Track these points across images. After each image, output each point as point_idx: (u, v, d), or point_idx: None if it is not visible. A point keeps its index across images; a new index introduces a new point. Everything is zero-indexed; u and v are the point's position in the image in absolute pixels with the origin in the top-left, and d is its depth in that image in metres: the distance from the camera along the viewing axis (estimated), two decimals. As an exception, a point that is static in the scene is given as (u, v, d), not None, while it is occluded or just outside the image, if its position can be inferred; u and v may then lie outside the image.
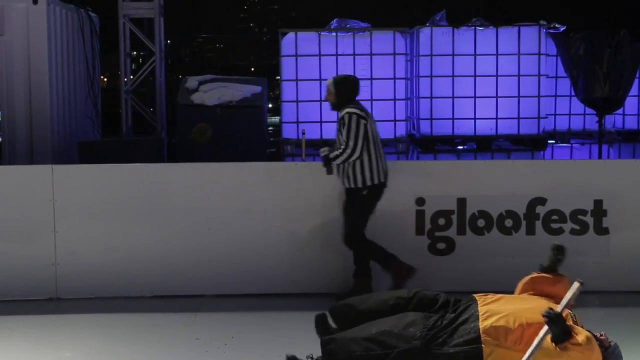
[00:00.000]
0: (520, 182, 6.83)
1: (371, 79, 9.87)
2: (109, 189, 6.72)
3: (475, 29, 9.95)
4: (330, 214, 6.74)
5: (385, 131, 9.95)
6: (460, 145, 10.28)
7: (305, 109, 9.86)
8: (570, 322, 4.37)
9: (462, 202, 6.78)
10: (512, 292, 4.88)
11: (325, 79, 9.72)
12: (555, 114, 10.94)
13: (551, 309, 4.31)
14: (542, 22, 10.17)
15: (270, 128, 12.39)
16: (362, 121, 6.37)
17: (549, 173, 6.92)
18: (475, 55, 9.92)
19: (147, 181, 6.77)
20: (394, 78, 9.89)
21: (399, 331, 4.66)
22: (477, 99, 9.99)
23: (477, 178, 6.85)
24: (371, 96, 9.88)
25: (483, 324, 4.49)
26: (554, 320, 4.24)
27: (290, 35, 9.94)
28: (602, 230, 6.81)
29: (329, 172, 6.48)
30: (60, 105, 9.43)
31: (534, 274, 4.84)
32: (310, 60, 9.84)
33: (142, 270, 6.73)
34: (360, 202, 6.48)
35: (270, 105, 13.10)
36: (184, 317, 6.27)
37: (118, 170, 6.78)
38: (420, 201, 6.79)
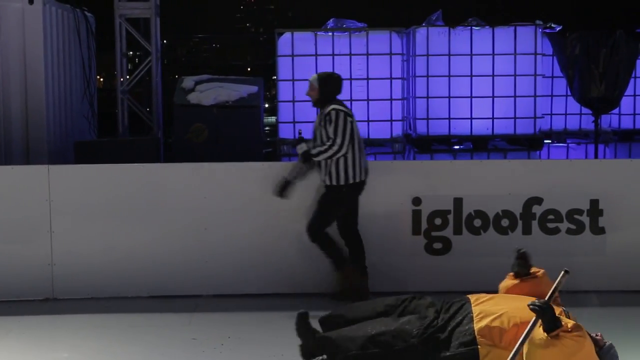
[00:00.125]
0: (517, 181, 6.84)
1: (367, 78, 9.88)
2: (106, 189, 6.72)
3: (471, 29, 9.96)
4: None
5: (381, 131, 9.99)
6: (457, 145, 10.29)
7: (302, 109, 9.85)
8: (563, 317, 4.39)
9: (458, 201, 6.78)
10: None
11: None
12: (551, 114, 10.97)
13: (538, 299, 4.34)
14: (538, 22, 10.18)
15: (267, 128, 12.39)
16: (349, 118, 6.38)
17: (545, 173, 6.93)
18: (471, 55, 9.94)
19: (143, 181, 6.77)
20: (391, 78, 9.90)
21: (395, 330, 4.67)
22: (473, 98, 10.01)
23: (473, 178, 6.86)
24: (367, 96, 9.89)
25: (478, 325, 4.50)
26: (542, 309, 4.26)
27: (287, 35, 9.94)
28: (598, 230, 6.82)
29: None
30: (57, 106, 9.41)
31: (511, 280, 4.88)
32: (306, 60, 9.84)
33: (139, 270, 6.72)
34: (339, 199, 6.47)
35: (266, 105, 13.10)
36: (181, 317, 6.27)
37: (114, 171, 6.78)
38: (416, 201, 6.79)
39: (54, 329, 6.04)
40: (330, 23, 10.20)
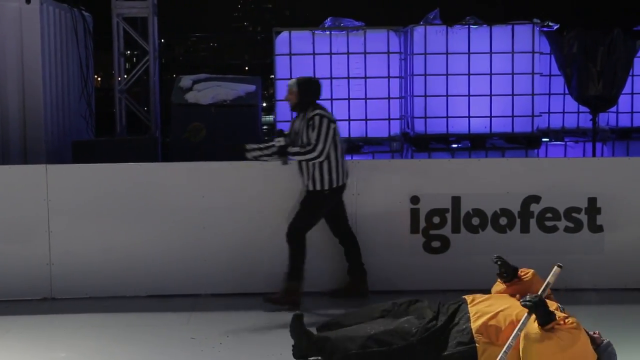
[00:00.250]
0: (515, 180, 6.85)
1: (365, 77, 9.89)
2: (103, 188, 6.71)
3: (469, 28, 9.96)
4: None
5: (379, 130, 9.99)
6: (455, 144, 10.29)
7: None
8: (558, 312, 4.42)
9: (456, 200, 6.79)
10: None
11: (320, 78, 9.81)
12: (549, 112, 10.96)
13: (529, 295, 4.36)
14: (535, 20, 10.18)
15: (265, 127, 12.38)
16: (332, 125, 6.35)
17: (543, 171, 6.94)
18: (469, 53, 9.94)
19: (141, 181, 6.77)
20: (388, 77, 9.90)
21: (395, 328, 4.69)
22: (471, 97, 10.01)
23: (471, 176, 6.86)
24: (365, 95, 9.89)
25: (475, 324, 4.53)
26: (535, 304, 4.28)
27: (284, 34, 9.94)
28: (596, 228, 6.83)
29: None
30: (54, 105, 9.40)
31: (500, 285, 4.90)
32: (304, 59, 9.84)
33: (137, 269, 6.72)
34: (321, 203, 6.45)
35: (264, 104, 13.09)
36: (179, 317, 6.26)
37: (112, 170, 6.77)
38: (414, 199, 6.79)
39: (52, 329, 6.04)
40: (328, 22, 10.20)
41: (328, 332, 4.90)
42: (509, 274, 4.85)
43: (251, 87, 9.61)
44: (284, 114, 9.89)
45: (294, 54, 9.84)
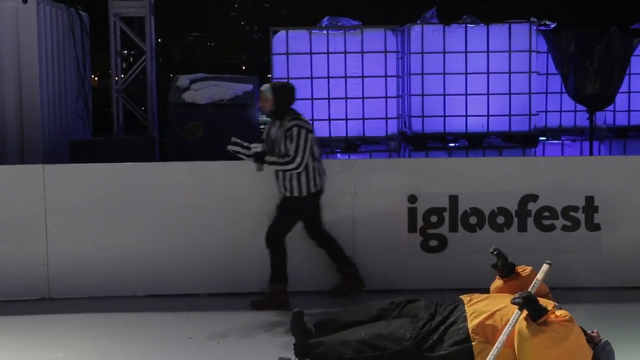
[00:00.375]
0: (512, 179, 6.85)
1: (362, 76, 9.88)
2: (101, 188, 6.71)
3: (466, 27, 9.96)
4: (324, 211, 6.73)
5: (376, 129, 9.98)
6: (452, 143, 10.28)
7: (297, 108, 9.83)
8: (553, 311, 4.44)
9: (454, 199, 6.79)
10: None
11: (317, 77, 9.83)
12: (546, 111, 10.96)
13: (519, 293, 4.38)
14: (532, 19, 10.19)
15: (262, 126, 12.36)
16: (310, 135, 6.31)
17: (540, 170, 6.94)
18: (466, 52, 9.93)
19: (138, 180, 6.76)
20: (385, 76, 9.89)
21: (389, 333, 4.69)
22: (468, 96, 10.00)
23: (468, 175, 6.87)
24: (363, 94, 9.88)
25: (471, 324, 4.54)
26: (525, 300, 4.30)
27: (282, 33, 9.93)
28: (593, 227, 6.84)
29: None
30: (51, 105, 9.39)
31: (498, 281, 4.91)
32: (301, 58, 9.83)
33: (134, 269, 6.72)
34: (298, 208, 6.43)
35: (261, 104, 13.04)
36: (177, 317, 6.26)
37: (109, 170, 6.77)
38: (412, 199, 6.79)
39: (50, 329, 6.03)
40: (325, 21, 10.19)
41: (323, 337, 4.89)
42: (505, 267, 4.85)
43: (248, 87, 9.60)
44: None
45: (291, 54, 9.83)
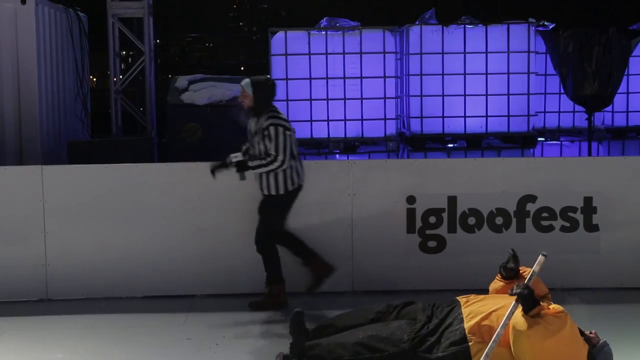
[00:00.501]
0: (511, 179, 6.85)
1: (361, 77, 9.88)
2: (99, 189, 6.70)
3: (464, 27, 9.96)
4: (322, 212, 6.74)
5: (375, 130, 9.99)
6: (451, 143, 10.29)
7: (296, 108, 9.85)
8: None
9: (452, 200, 6.79)
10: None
11: (316, 78, 9.83)
12: (544, 112, 10.97)
13: (517, 285, 4.39)
14: (531, 19, 10.19)
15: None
16: (287, 132, 6.23)
17: (539, 170, 6.94)
18: (464, 53, 9.94)
19: (137, 181, 6.76)
20: (384, 77, 9.90)
21: (387, 335, 4.69)
22: (467, 97, 10.00)
23: (467, 176, 6.87)
24: (361, 95, 9.89)
25: (467, 325, 4.55)
26: (523, 291, 4.31)
27: (280, 34, 9.93)
28: (592, 227, 6.84)
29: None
30: (50, 106, 9.39)
31: (499, 282, 4.90)
32: (300, 59, 9.83)
33: (133, 270, 6.71)
34: (278, 205, 6.39)
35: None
36: (176, 318, 6.26)
37: (108, 171, 6.77)
38: (411, 199, 6.79)
39: (48, 330, 6.03)
40: (324, 22, 10.19)
41: (320, 339, 4.89)
42: (514, 270, 4.85)
43: (247, 88, 9.58)
44: (279, 114, 9.88)
45: (290, 54, 9.83)
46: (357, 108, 9.91)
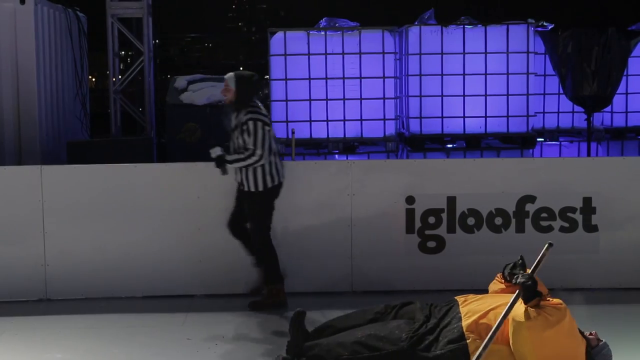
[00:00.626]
0: (510, 180, 6.85)
1: (360, 77, 9.88)
2: (98, 189, 6.70)
3: (463, 28, 9.97)
4: (321, 213, 6.74)
5: (374, 130, 9.99)
6: (450, 144, 10.29)
7: (295, 108, 9.86)
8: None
9: (452, 200, 6.79)
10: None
11: (315, 78, 9.83)
12: (544, 112, 10.97)
13: (522, 274, 4.40)
14: (530, 20, 10.19)
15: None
16: (267, 128, 6.19)
17: (538, 171, 6.95)
18: (464, 53, 9.95)
19: (136, 181, 6.76)
20: (383, 77, 9.90)
21: (386, 334, 4.71)
22: (466, 97, 10.01)
23: (466, 176, 6.87)
24: (360, 95, 9.89)
25: (465, 322, 4.57)
26: (527, 281, 4.33)
27: (279, 34, 9.93)
28: (591, 228, 6.84)
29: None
30: (49, 106, 9.39)
31: (499, 283, 4.90)
32: (299, 59, 9.84)
33: (132, 270, 6.71)
34: (260, 201, 6.35)
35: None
36: (175, 318, 6.26)
37: (107, 171, 6.76)
38: (410, 200, 6.79)
39: (48, 330, 6.02)
40: (323, 22, 10.20)
41: (319, 340, 4.89)
42: (518, 275, 4.84)
43: (246, 88, 9.58)
44: (279, 115, 9.89)
45: (289, 55, 9.83)
46: (356, 108, 9.91)
